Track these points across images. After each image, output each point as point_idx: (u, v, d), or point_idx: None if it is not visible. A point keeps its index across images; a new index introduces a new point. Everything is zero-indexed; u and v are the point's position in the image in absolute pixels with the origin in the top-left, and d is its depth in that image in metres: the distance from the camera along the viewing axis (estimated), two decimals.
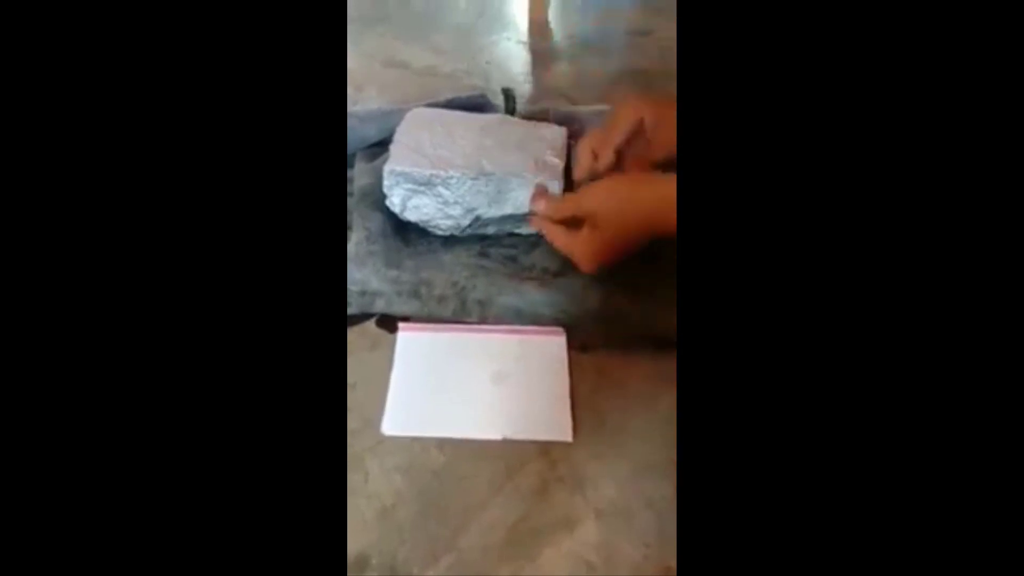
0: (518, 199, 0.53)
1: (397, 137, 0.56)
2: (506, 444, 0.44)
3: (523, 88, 0.76)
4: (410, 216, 0.55)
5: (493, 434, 0.44)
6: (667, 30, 0.85)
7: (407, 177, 0.53)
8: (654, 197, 0.46)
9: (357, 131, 0.61)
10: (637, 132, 0.53)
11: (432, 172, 0.53)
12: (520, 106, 0.68)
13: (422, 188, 0.53)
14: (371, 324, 0.51)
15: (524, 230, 0.55)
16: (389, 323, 0.51)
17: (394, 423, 0.45)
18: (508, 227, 0.55)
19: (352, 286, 0.51)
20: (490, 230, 0.55)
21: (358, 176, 0.58)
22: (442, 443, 0.44)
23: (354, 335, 0.50)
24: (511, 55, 0.83)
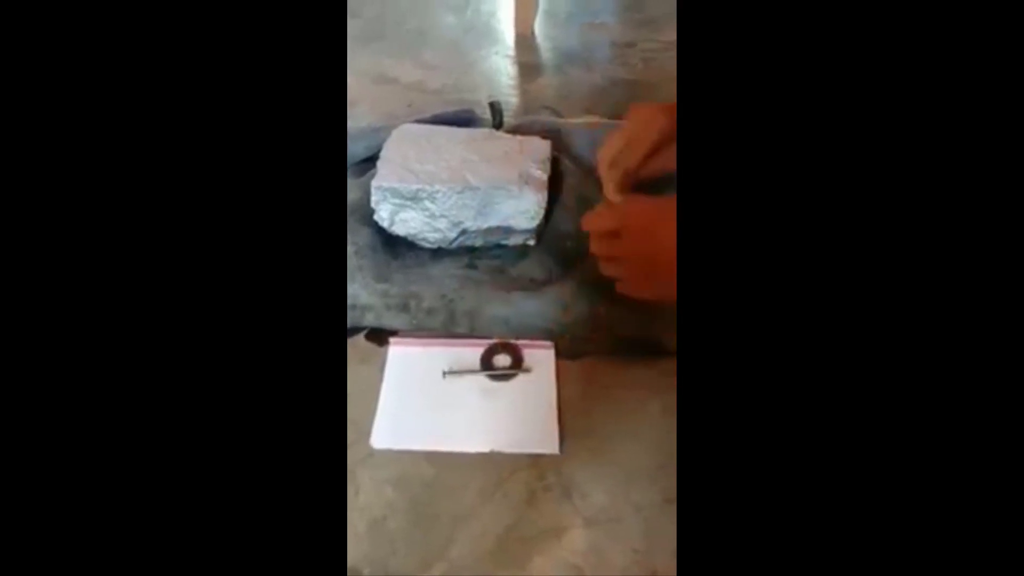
0: (504, 211, 0.54)
1: (384, 153, 0.57)
2: (495, 455, 0.44)
3: (510, 101, 0.77)
4: (398, 230, 0.56)
5: (482, 447, 0.44)
6: (649, 41, 0.87)
7: (394, 192, 0.54)
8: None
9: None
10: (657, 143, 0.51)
11: (419, 187, 0.54)
12: (507, 118, 0.69)
13: (409, 202, 0.54)
14: (361, 338, 0.51)
15: (510, 241, 0.56)
16: (379, 336, 0.51)
17: (383, 437, 0.45)
18: (495, 239, 0.56)
19: None
20: (477, 242, 0.56)
21: (347, 192, 0.59)
22: (432, 454, 0.44)
23: None
24: (498, 69, 0.84)
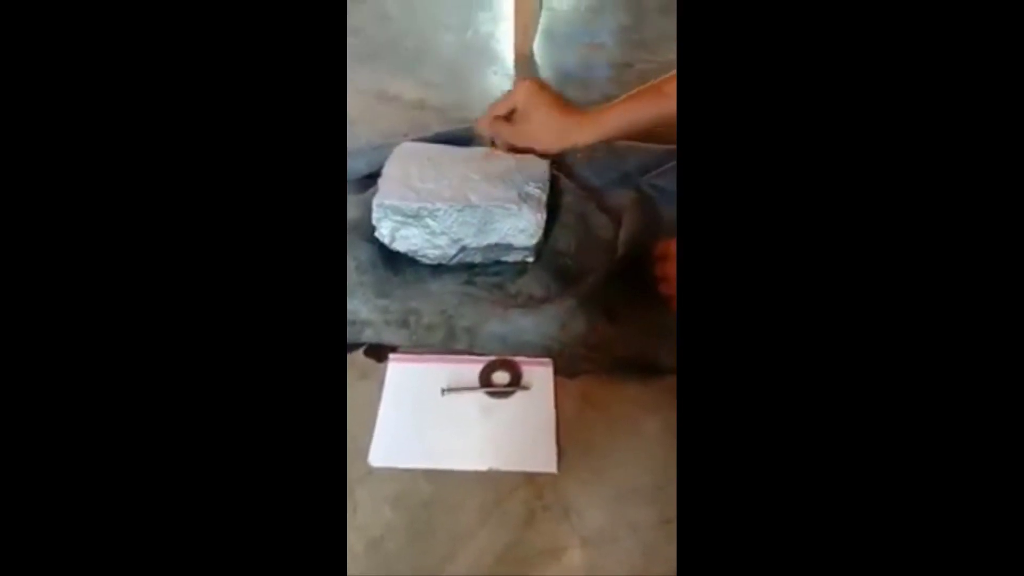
0: (503, 229, 0.55)
1: (385, 171, 0.58)
2: (493, 472, 0.44)
3: None
4: (399, 247, 0.56)
5: (480, 465, 0.44)
6: (647, 62, 0.88)
7: (395, 210, 0.55)
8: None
9: (348, 165, 0.62)
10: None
11: (420, 205, 0.54)
12: None
13: (410, 220, 0.55)
14: (359, 353, 0.51)
15: (510, 258, 0.57)
16: (378, 352, 0.51)
17: (381, 455, 0.45)
18: (494, 256, 0.56)
19: None
20: (476, 259, 0.56)
21: (348, 208, 0.59)
22: (430, 473, 0.44)
23: None
24: (498, 88, 0.85)
